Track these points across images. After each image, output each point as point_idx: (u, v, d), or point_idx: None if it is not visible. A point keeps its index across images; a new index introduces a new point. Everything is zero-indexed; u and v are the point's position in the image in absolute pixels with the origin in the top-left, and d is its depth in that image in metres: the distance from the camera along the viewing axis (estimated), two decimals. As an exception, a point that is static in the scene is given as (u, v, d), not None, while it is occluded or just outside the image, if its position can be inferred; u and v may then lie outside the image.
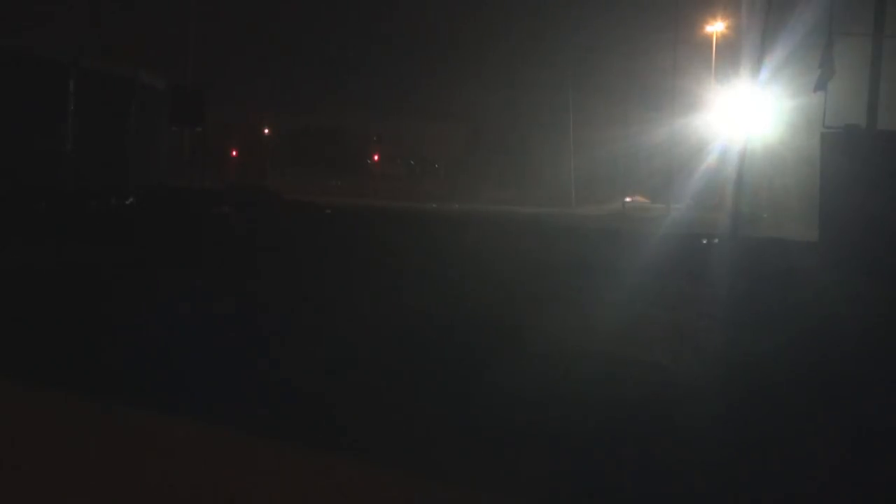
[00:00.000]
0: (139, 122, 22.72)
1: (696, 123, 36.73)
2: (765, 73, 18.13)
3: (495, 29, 51.43)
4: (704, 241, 16.72)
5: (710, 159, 32.62)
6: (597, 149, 44.48)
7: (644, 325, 7.31)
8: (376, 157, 62.94)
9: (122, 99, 22.10)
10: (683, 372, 5.62)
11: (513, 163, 52.78)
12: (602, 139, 44.27)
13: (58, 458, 3.55)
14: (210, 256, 11.55)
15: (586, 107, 46.36)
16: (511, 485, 3.52)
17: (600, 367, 5.62)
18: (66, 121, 19.99)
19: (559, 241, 17.20)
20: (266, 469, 3.52)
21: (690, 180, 34.28)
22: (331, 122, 61.02)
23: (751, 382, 5.43)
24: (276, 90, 58.98)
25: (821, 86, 14.02)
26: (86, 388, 4.57)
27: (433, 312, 7.57)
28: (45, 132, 19.43)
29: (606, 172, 46.66)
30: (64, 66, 19.99)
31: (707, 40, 39.47)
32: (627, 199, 43.16)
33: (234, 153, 59.32)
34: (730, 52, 36.48)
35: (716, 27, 39.19)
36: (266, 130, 62.12)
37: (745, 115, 20.42)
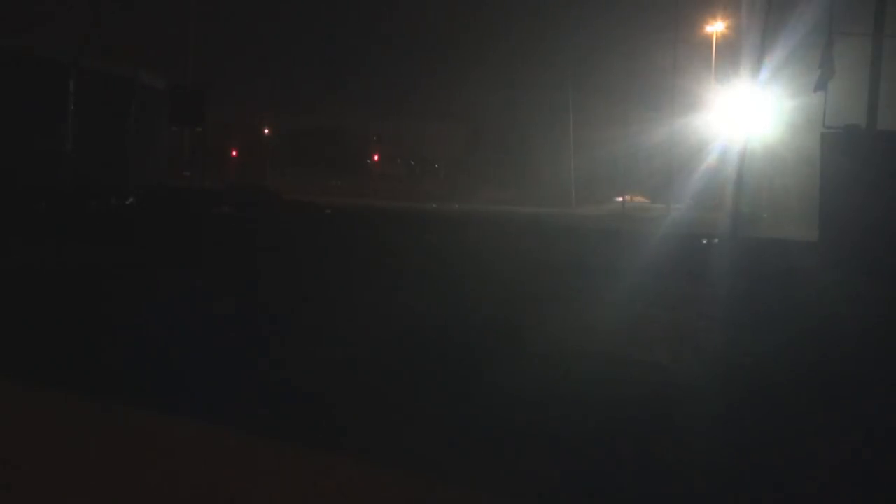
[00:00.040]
0: (139, 122, 22.70)
1: (696, 123, 36.73)
2: (765, 73, 18.14)
3: (495, 29, 51.44)
4: (704, 241, 16.72)
5: (710, 159, 32.62)
6: (597, 149, 44.46)
7: (644, 325, 7.31)
8: (376, 157, 62.96)
9: (122, 99, 22.09)
10: (683, 372, 5.62)
11: (513, 163, 52.77)
12: (602, 139, 44.25)
13: (58, 458, 3.55)
14: (210, 256, 11.55)
15: (586, 107, 46.36)
16: (511, 485, 3.52)
17: (600, 367, 5.62)
18: (66, 121, 19.98)
19: (559, 241, 17.20)
20: (266, 469, 3.52)
21: (690, 180, 34.29)
22: (331, 122, 61.04)
23: (751, 382, 5.43)
24: (276, 90, 59.05)
25: (821, 86, 14.02)
26: (86, 388, 4.57)
27: (433, 312, 7.57)
28: (45, 132, 19.42)
29: (606, 172, 46.63)
30: (64, 66, 19.98)
31: (707, 40, 39.49)
32: (619, 199, 43.18)
33: (234, 153, 59.34)
34: (730, 51, 36.51)
35: (716, 27, 39.22)
36: (266, 130, 62.14)
37: (745, 115, 20.41)
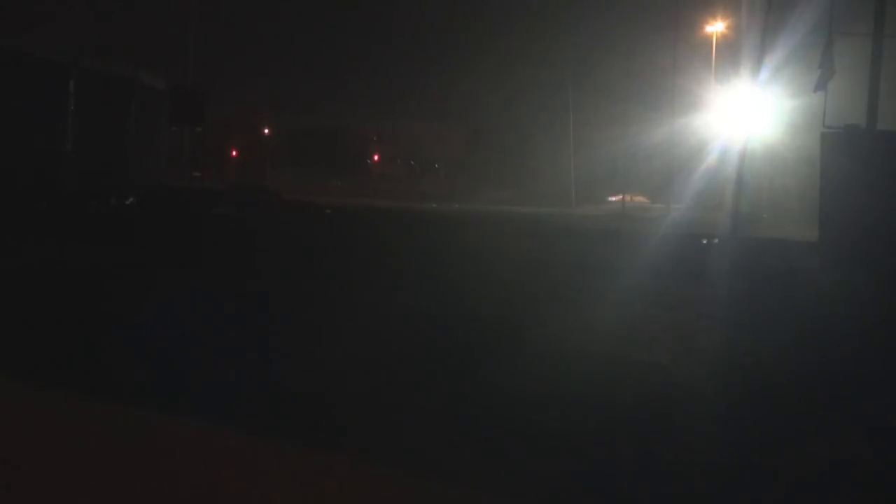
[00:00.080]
0: (139, 122, 22.70)
1: (696, 123, 36.75)
2: (765, 73, 18.13)
3: (495, 29, 51.43)
4: (704, 242, 16.73)
5: (710, 159, 32.63)
6: (597, 149, 44.46)
7: (644, 325, 7.31)
8: (376, 157, 62.97)
9: (122, 99, 22.08)
10: (683, 372, 5.62)
11: (513, 163, 52.76)
12: (602, 139, 44.26)
13: (58, 458, 3.55)
14: (210, 256, 11.55)
15: (586, 107, 46.38)
16: (511, 485, 3.52)
17: (600, 367, 5.62)
18: (66, 121, 19.97)
19: (559, 241, 17.20)
20: (266, 469, 3.52)
21: (690, 180, 34.28)
22: (331, 122, 61.04)
23: (751, 382, 5.43)
24: (276, 90, 59.07)
25: (821, 86, 14.02)
26: (86, 388, 4.57)
27: (433, 312, 7.57)
28: (45, 132, 19.42)
29: (606, 172, 46.63)
30: (64, 66, 19.97)
31: (707, 40, 39.52)
32: (611, 199, 43.15)
33: (234, 153, 59.33)
34: (730, 52, 36.52)
35: (716, 27, 39.25)
36: (266, 130, 62.13)
37: (745, 115, 20.41)
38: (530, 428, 4.24)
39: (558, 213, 34.50)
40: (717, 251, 15.59)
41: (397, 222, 22.10)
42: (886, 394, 5.42)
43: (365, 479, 3.50)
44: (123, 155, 22.02)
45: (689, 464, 3.81)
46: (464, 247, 15.29)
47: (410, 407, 4.53)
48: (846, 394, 5.30)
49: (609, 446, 4.03)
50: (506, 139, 53.40)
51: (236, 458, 3.64)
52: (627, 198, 43.55)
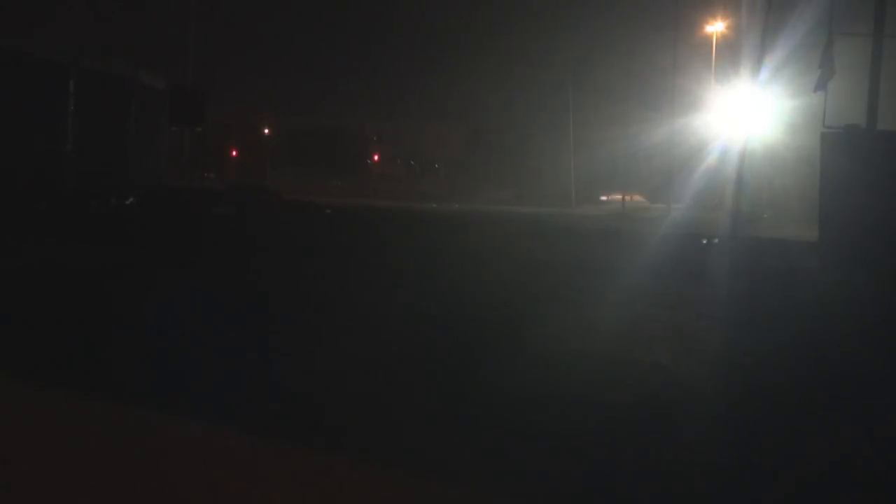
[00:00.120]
0: (139, 122, 22.70)
1: (696, 123, 36.72)
2: (765, 73, 18.13)
3: (495, 29, 51.44)
4: (704, 241, 16.73)
5: (710, 159, 32.62)
6: (597, 149, 44.44)
7: (644, 324, 7.31)
8: (376, 157, 62.92)
9: (122, 99, 22.07)
10: (683, 372, 5.62)
11: (512, 163, 52.73)
12: (602, 139, 44.22)
13: (58, 458, 3.55)
14: (210, 256, 11.55)
15: (586, 107, 46.34)
16: (511, 485, 3.52)
17: (600, 366, 5.62)
18: (66, 121, 19.96)
19: (559, 241, 17.20)
20: (266, 469, 3.52)
21: (690, 180, 34.27)
22: (331, 122, 61.01)
23: (751, 382, 5.43)
24: (276, 90, 59.08)
25: (821, 86, 14.01)
26: (86, 388, 4.57)
27: (433, 312, 7.57)
28: (45, 132, 19.41)
29: (606, 172, 46.61)
30: (64, 66, 19.97)
31: (707, 40, 39.48)
32: (603, 198, 43.08)
33: (234, 153, 59.32)
34: (730, 52, 36.50)
35: (716, 27, 39.20)
36: (266, 130, 62.11)
37: (745, 115, 20.42)
38: (530, 428, 4.24)
39: (558, 213, 34.49)
40: (717, 251, 15.59)
41: (397, 222, 22.09)
42: (886, 394, 5.42)
43: (365, 479, 3.50)
44: (123, 155, 22.01)
45: (689, 464, 3.81)
46: (464, 247, 15.29)
47: (410, 407, 4.53)
48: (846, 394, 5.30)
49: (609, 446, 4.03)
50: (506, 139, 53.37)
51: (236, 458, 3.64)
52: (628, 197, 43.53)
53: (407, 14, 58.09)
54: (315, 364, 5.43)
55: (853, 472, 3.87)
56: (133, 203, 19.82)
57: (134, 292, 8.07)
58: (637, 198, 46.06)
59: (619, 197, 43.29)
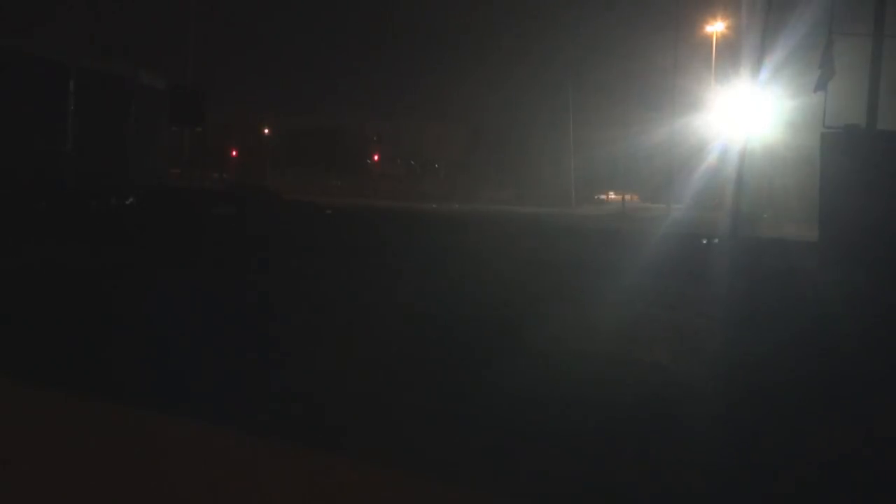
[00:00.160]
0: (139, 122, 22.69)
1: (696, 123, 36.72)
2: (765, 73, 18.13)
3: (495, 29, 51.45)
4: (704, 241, 16.73)
5: (710, 159, 32.63)
6: (597, 149, 44.45)
7: (644, 324, 7.31)
8: (376, 157, 62.91)
9: (122, 99, 22.07)
10: (683, 372, 5.62)
11: (513, 163, 52.73)
12: (602, 139, 44.23)
13: (58, 458, 3.55)
14: (210, 257, 11.54)
15: (586, 107, 46.36)
16: (511, 485, 3.52)
17: (600, 367, 5.62)
18: (66, 121, 19.96)
19: (559, 241, 17.20)
20: (266, 469, 3.52)
21: (690, 180, 34.28)
22: (331, 122, 61.02)
23: (751, 382, 5.43)
24: (276, 90, 59.10)
25: (821, 86, 14.01)
26: (86, 388, 4.57)
27: (433, 312, 7.57)
28: (45, 132, 19.41)
29: (606, 172, 46.62)
30: (64, 66, 19.96)
31: (707, 40, 39.49)
32: (598, 197, 43.04)
33: (234, 153, 59.32)
34: (730, 52, 36.51)
35: (716, 27, 39.21)
36: (266, 130, 62.11)
37: (745, 115, 20.41)
38: (530, 428, 4.24)
39: (558, 213, 34.49)
40: (717, 251, 15.60)
41: (397, 222, 22.09)
42: (886, 394, 5.42)
43: (365, 479, 3.50)
44: (123, 155, 22.00)
45: (689, 464, 3.81)
46: (464, 247, 15.29)
47: (410, 407, 4.53)
48: (846, 394, 5.30)
49: (609, 446, 4.03)
50: (506, 139, 53.36)
51: (236, 458, 3.64)
52: (627, 197, 43.54)
53: (407, 14, 58.08)
54: (315, 364, 5.43)
55: (853, 472, 3.87)
56: (133, 203, 19.82)
57: (134, 292, 8.07)
58: (630, 197, 46.06)
59: (612, 197, 43.25)
